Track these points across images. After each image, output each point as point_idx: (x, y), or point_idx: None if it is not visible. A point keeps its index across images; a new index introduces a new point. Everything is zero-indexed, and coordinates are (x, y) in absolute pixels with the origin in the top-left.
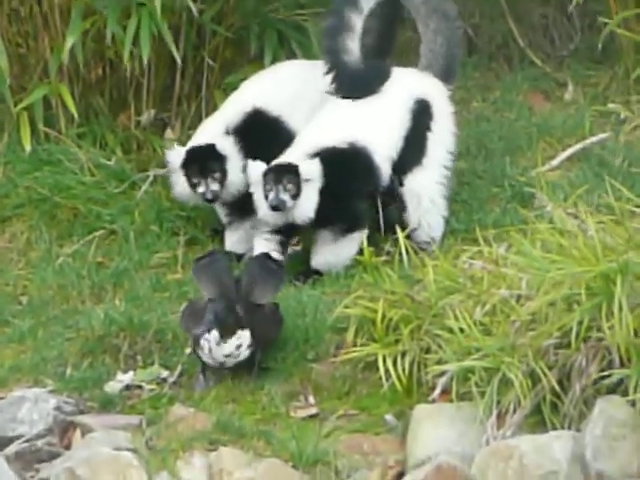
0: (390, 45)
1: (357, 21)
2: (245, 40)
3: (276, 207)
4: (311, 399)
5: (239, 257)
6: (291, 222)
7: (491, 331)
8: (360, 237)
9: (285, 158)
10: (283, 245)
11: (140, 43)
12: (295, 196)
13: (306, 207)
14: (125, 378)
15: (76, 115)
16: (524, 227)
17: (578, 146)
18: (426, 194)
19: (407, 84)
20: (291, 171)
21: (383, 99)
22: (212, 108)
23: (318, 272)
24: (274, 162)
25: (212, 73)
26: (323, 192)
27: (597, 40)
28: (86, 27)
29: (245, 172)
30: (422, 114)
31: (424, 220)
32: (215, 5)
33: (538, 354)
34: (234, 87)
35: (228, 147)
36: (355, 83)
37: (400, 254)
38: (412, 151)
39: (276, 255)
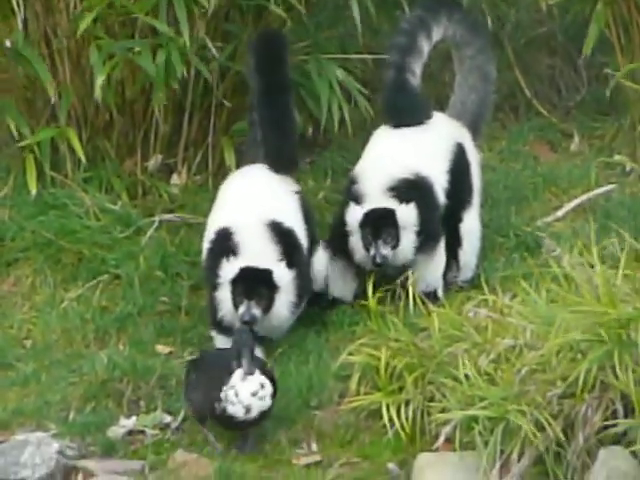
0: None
1: (425, 47)
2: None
3: (379, 264)
4: (314, 446)
5: None
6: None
7: (495, 380)
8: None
9: (371, 198)
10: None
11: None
12: (395, 246)
13: (406, 252)
14: (128, 423)
15: (83, 158)
16: (529, 276)
17: (584, 197)
18: (476, 233)
19: (446, 125)
20: (389, 223)
21: (431, 133)
22: (219, 154)
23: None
24: (371, 208)
25: (219, 119)
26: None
27: (604, 91)
28: (108, 70)
29: None
30: (461, 156)
31: (472, 259)
32: (228, 47)
33: (542, 403)
34: (241, 134)
35: None
36: (413, 109)
37: (407, 302)
38: (464, 189)
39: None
